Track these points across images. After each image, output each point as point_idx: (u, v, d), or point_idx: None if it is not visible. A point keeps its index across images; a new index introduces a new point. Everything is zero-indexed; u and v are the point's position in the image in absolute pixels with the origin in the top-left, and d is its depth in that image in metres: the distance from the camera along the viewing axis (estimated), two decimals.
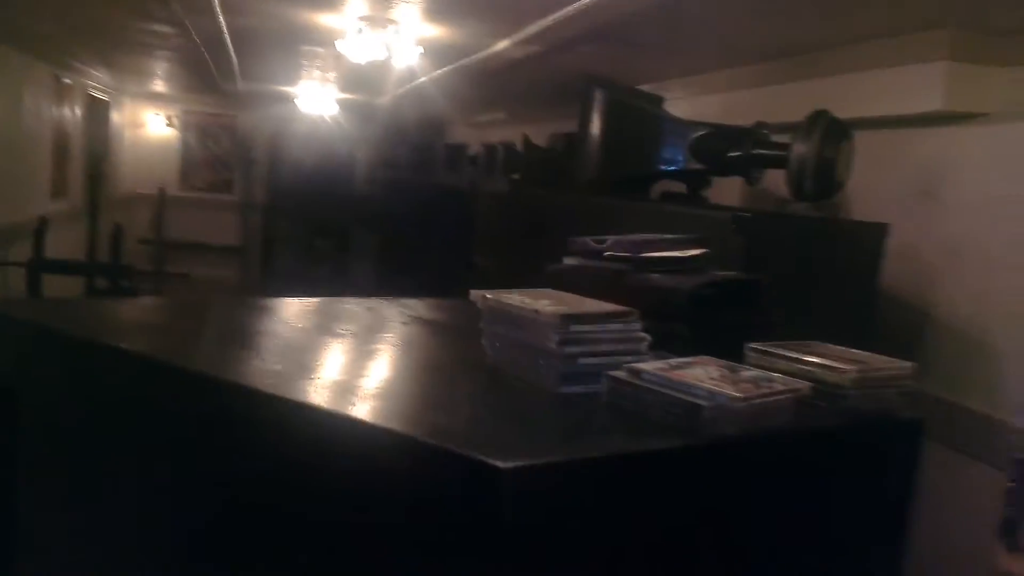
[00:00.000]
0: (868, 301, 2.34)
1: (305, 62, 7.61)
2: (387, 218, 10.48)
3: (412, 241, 9.67)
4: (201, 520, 1.17)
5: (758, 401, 1.09)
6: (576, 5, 3.64)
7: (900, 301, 2.51)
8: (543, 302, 1.23)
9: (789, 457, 1.13)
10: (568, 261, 1.66)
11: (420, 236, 9.53)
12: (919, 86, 2.50)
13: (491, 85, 6.43)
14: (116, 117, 11.24)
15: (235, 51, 6.57)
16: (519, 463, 0.88)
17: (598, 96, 2.43)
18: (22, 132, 6.84)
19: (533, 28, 4.20)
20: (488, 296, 1.29)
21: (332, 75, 8.34)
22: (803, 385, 1.18)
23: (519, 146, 7.08)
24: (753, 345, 1.33)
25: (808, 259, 2.18)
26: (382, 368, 1.45)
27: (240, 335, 1.54)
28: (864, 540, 1.23)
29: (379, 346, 1.60)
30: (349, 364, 1.46)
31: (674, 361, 1.19)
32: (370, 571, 1.00)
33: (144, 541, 1.20)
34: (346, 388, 1.25)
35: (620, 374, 1.15)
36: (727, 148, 2.50)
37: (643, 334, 1.24)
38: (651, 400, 1.11)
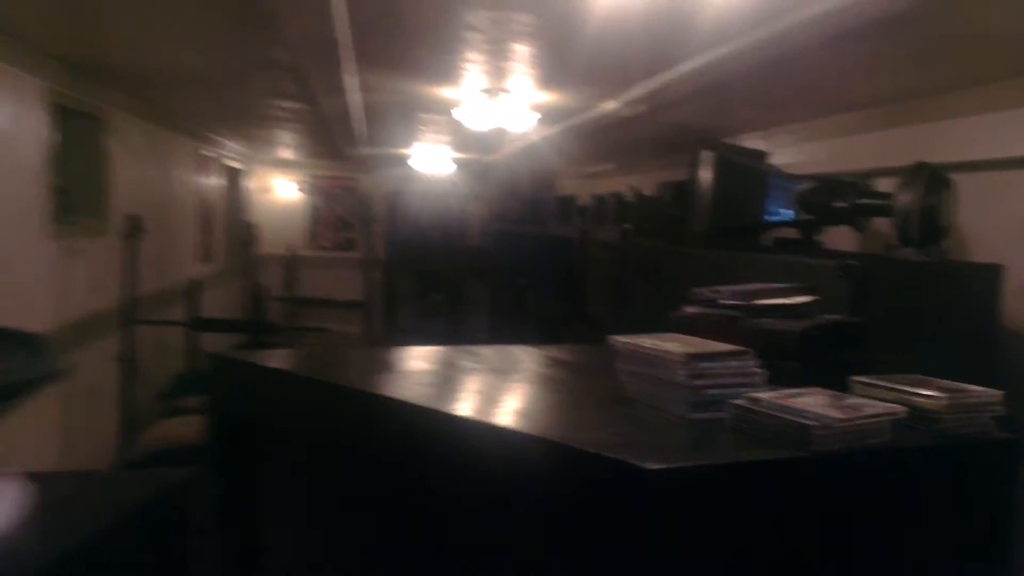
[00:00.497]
0: (986, 339, 2.43)
1: (422, 127, 8.17)
2: (499, 270, 10.85)
3: (524, 291, 9.97)
4: (394, 524, 1.45)
5: (859, 422, 1.30)
6: (681, 68, 3.92)
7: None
8: (672, 344, 1.49)
9: (887, 471, 1.32)
10: (689, 309, 1.90)
11: (532, 286, 9.84)
12: (1019, 129, 2.63)
13: (599, 140, 6.74)
14: (248, 184, 12.21)
15: (361, 122, 7.15)
16: (662, 466, 1.13)
17: (707, 156, 2.68)
18: (173, 203, 7.61)
19: (640, 90, 4.49)
20: (625, 340, 1.55)
21: (447, 137, 8.88)
22: (899, 409, 1.38)
23: (629, 196, 7.34)
24: (857, 378, 1.53)
25: (917, 301, 2.33)
26: (531, 396, 1.72)
27: (411, 374, 1.85)
28: (959, 553, 1.39)
29: (521, 381, 1.88)
30: (505, 394, 1.74)
31: (786, 391, 1.41)
32: (532, 560, 1.26)
33: (353, 543, 1.50)
34: (510, 411, 1.53)
35: (741, 401, 1.38)
36: (832, 199, 2.69)
37: (759, 369, 1.47)
38: (767, 422, 1.33)
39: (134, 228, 4.86)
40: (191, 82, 5.61)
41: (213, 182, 9.40)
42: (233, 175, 10.87)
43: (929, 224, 2.49)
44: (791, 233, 2.98)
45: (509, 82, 4.53)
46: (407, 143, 9.16)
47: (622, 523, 1.15)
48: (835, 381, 1.56)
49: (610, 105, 4.87)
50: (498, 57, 4.17)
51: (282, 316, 12.23)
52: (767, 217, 2.79)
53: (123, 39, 4.26)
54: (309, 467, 1.56)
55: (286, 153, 12.15)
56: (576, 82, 4.54)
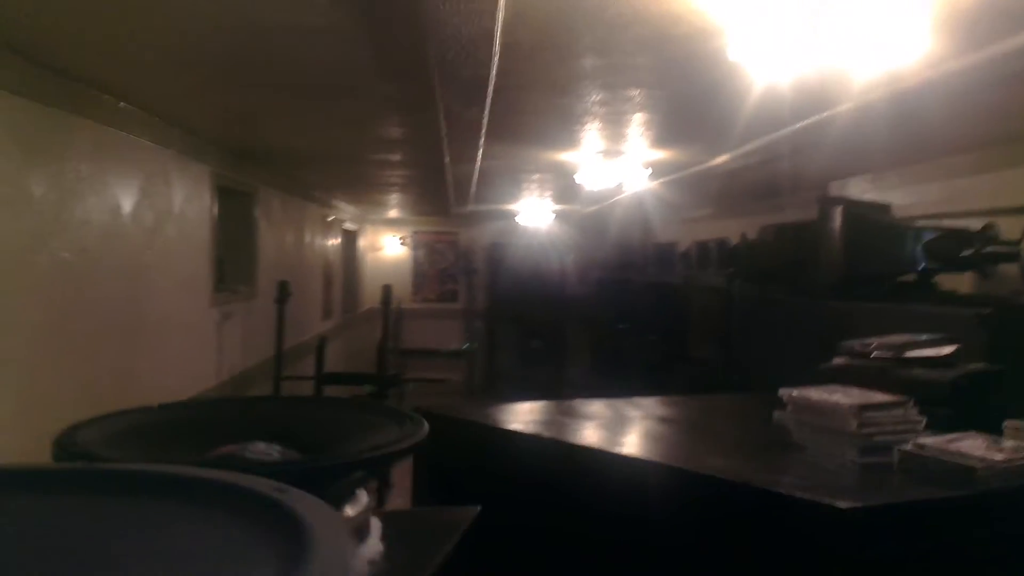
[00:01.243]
0: None
1: (527, 183, 8.55)
2: (599, 317, 11.02)
3: (624, 337, 10.09)
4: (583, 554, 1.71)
5: (1018, 462, 1.50)
6: (796, 126, 4.13)
7: None
8: (839, 395, 1.71)
9: None
10: (838, 360, 2.11)
11: (632, 332, 9.95)
12: None
13: (701, 189, 6.94)
14: (360, 242, 12.88)
15: (474, 184, 7.57)
16: (855, 504, 1.36)
17: (836, 213, 2.89)
18: (305, 265, 8.18)
19: (753, 146, 4.71)
20: (795, 392, 1.79)
21: (550, 191, 9.24)
22: None
23: (734, 241, 7.47)
24: (1009, 422, 1.72)
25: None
26: (698, 443, 1.96)
27: (592, 422, 2.12)
28: None
29: (688, 430, 2.12)
30: (677, 442, 1.99)
31: (946, 436, 1.62)
32: None
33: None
34: (698, 459, 1.77)
35: (908, 447, 1.59)
36: (959, 248, 2.85)
37: (919, 416, 1.68)
38: (934, 466, 1.54)
39: (283, 292, 5.34)
40: (325, 158, 6.14)
41: (333, 243, 10.02)
42: (348, 235, 11.52)
43: None
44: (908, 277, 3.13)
45: (626, 144, 4.84)
46: (513, 199, 9.57)
47: (821, 559, 1.38)
48: (982, 425, 1.75)
49: (721, 159, 5.10)
50: (616, 124, 4.48)
51: (392, 367, 12.72)
52: (899, 269, 2.97)
53: (274, 127, 4.77)
54: (522, 513, 1.82)
55: (393, 212, 12.79)
56: (691, 140, 4.81)
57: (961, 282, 3.76)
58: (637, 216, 9.67)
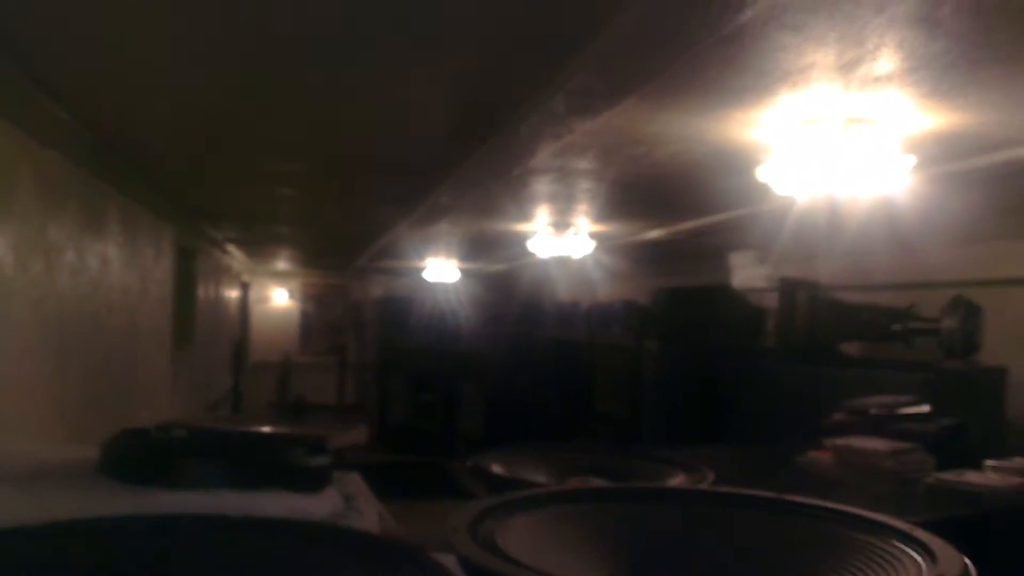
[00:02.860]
0: (997, 427, 3.25)
1: (435, 244, 8.92)
2: (495, 371, 11.34)
3: (522, 391, 10.43)
4: None
5: (1012, 486, 2.09)
6: (725, 215, 4.80)
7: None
8: (873, 443, 2.26)
9: None
10: (837, 416, 2.68)
11: (530, 387, 10.33)
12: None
13: (618, 255, 7.58)
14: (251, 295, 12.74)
15: (390, 243, 7.87)
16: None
17: (800, 294, 3.53)
18: (220, 318, 8.15)
19: (691, 224, 5.38)
20: (838, 441, 2.32)
21: (457, 250, 9.66)
22: None
23: (643, 302, 8.11)
24: (988, 462, 2.32)
25: (958, 401, 3.15)
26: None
27: None
28: None
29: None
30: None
31: (955, 472, 2.19)
32: None
33: None
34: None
35: (930, 480, 2.15)
36: (890, 323, 3.55)
37: (930, 458, 2.26)
38: (950, 494, 2.10)
39: (239, 349, 5.46)
40: (252, 216, 6.29)
41: (235, 296, 9.96)
42: (244, 288, 11.43)
43: (968, 343, 3.35)
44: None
45: (575, 217, 5.39)
46: (421, 257, 9.90)
47: None
48: (959, 465, 2.34)
49: (656, 233, 5.75)
50: (568, 201, 5.02)
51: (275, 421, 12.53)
52: (844, 340, 3.64)
53: (221, 192, 4.96)
54: None
55: (283, 264, 12.75)
56: (632, 216, 5.42)
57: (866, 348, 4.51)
58: (541, 276, 10.24)
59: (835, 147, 2.44)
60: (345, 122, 3.17)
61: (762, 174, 2.67)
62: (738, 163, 3.00)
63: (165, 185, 4.44)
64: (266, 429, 1.56)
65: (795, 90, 2.26)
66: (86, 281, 3.22)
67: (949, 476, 2.14)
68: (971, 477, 2.13)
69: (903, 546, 0.93)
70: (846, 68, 2.10)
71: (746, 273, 6.72)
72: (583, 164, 3.67)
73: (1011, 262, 3.76)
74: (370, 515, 1.19)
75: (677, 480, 1.43)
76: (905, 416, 2.54)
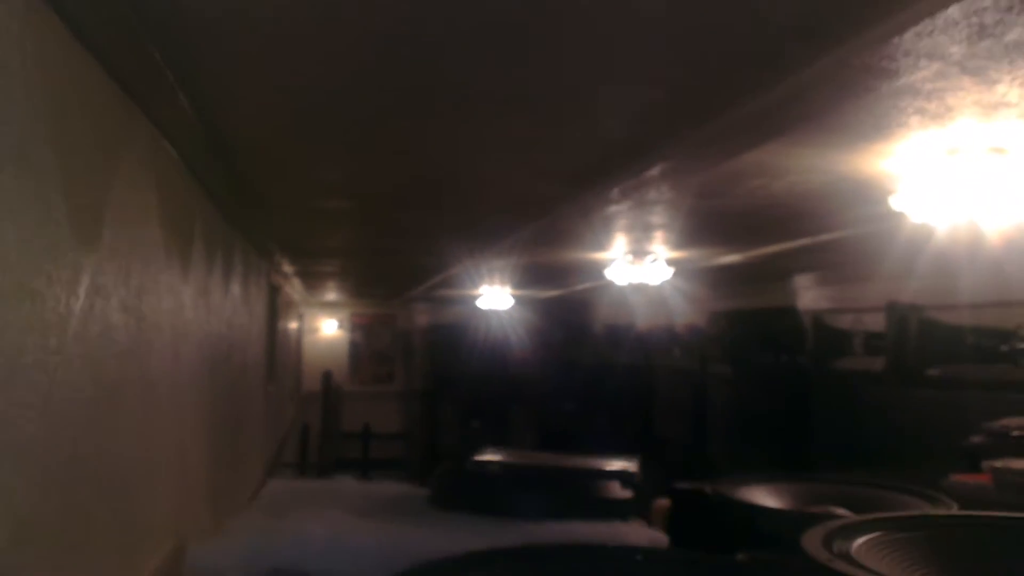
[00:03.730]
0: None
1: (494, 273, 9.02)
2: (545, 397, 11.36)
3: (571, 417, 10.43)
4: None
5: None
6: (807, 239, 4.85)
7: None
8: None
9: None
10: (975, 439, 2.74)
11: (581, 412, 10.33)
12: None
13: (680, 280, 7.63)
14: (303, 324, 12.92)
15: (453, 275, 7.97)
16: None
17: (910, 317, 3.60)
18: (286, 350, 8.31)
19: (763, 250, 5.44)
20: (997, 463, 2.38)
21: (509, 277, 9.75)
22: None
23: (698, 324, 8.16)
24: None
25: None
26: None
27: None
28: None
29: None
30: None
31: None
32: None
33: None
34: None
35: None
36: (998, 344, 3.60)
37: None
38: None
39: (327, 382, 5.59)
40: (334, 254, 6.44)
41: (295, 327, 10.14)
42: (300, 319, 11.61)
43: None
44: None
45: (653, 245, 5.47)
46: (476, 286, 9.99)
47: None
48: None
49: (732, 258, 5.81)
50: (649, 230, 5.10)
51: (323, 450, 12.64)
52: (944, 361, 3.70)
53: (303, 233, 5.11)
54: None
55: (333, 295, 12.92)
56: (709, 243, 5.49)
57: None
58: (595, 301, 10.32)
59: (974, 175, 2.52)
60: (438, 158, 3.19)
61: (896, 202, 2.75)
62: (862, 192, 3.08)
63: (269, 224, 4.60)
64: (566, 464, 1.64)
65: (938, 123, 2.34)
66: (222, 319, 3.36)
67: None
68: None
69: None
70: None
71: (809, 295, 6.76)
72: (688, 197, 3.75)
73: None
74: (662, 540, 1.27)
75: (924, 509, 1.50)
76: None
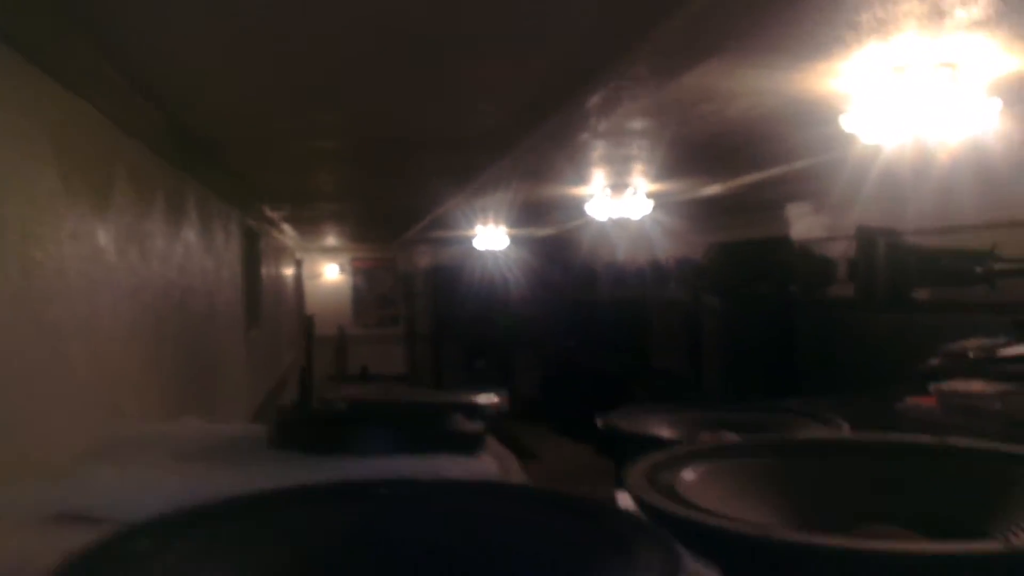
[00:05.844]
0: None
1: (486, 212, 8.93)
2: (547, 335, 11.37)
3: (575, 354, 10.44)
4: None
5: None
6: (786, 167, 4.73)
7: None
8: (979, 385, 2.24)
9: None
10: (933, 361, 2.66)
11: (582, 348, 10.33)
12: None
13: (671, 214, 7.53)
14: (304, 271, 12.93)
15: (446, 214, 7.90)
16: None
17: (880, 242, 3.48)
18: (281, 297, 8.31)
19: (749, 178, 5.31)
20: (943, 385, 2.31)
21: (504, 216, 9.66)
22: None
23: (692, 258, 8.05)
24: None
25: None
26: None
27: None
28: None
29: None
30: None
31: None
32: None
33: None
34: None
35: None
36: (973, 266, 3.49)
37: None
38: None
39: (310, 325, 5.54)
40: (307, 195, 6.36)
41: (291, 273, 10.12)
42: (298, 265, 11.59)
43: None
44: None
45: (632, 177, 5.35)
46: (471, 226, 9.93)
47: None
48: None
49: (713, 189, 5.69)
50: (624, 162, 4.98)
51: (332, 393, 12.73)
52: (920, 286, 3.59)
53: (283, 178, 5.02)
54: None
55: (332, 240, 12.88)
56: (690, 173, 5.36)
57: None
58: (592, 238, 10.21)
59: (922, 92, 2.39)
60: (404, 102, 3.15)
61: (847, 123, 2.63)
62: (816, 114, 2.96)
63: (231, 169, 4.52)
64: (417, 398, 1.60)
65: (885, 39, 2.21)
66: (173, 267, 3.31)
67: None
68: None
69: None
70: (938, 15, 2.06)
71: (804, 224, 6.63)
72: (648, 124, 3.64)
73: None
74: (519, 475, 1.23)
75: (815, 432, 1.44)
76: (1006, 358, 2.51)
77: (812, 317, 4.63)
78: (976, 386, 2.25)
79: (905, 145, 2.82)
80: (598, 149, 4.50)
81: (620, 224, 8.90)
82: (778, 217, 6.82)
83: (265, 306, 6.42)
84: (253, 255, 6.00)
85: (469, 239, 11.06)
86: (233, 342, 4.91)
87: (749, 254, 7.02)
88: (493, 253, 11.91)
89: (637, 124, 3.60)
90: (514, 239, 11.19)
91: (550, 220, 9.21)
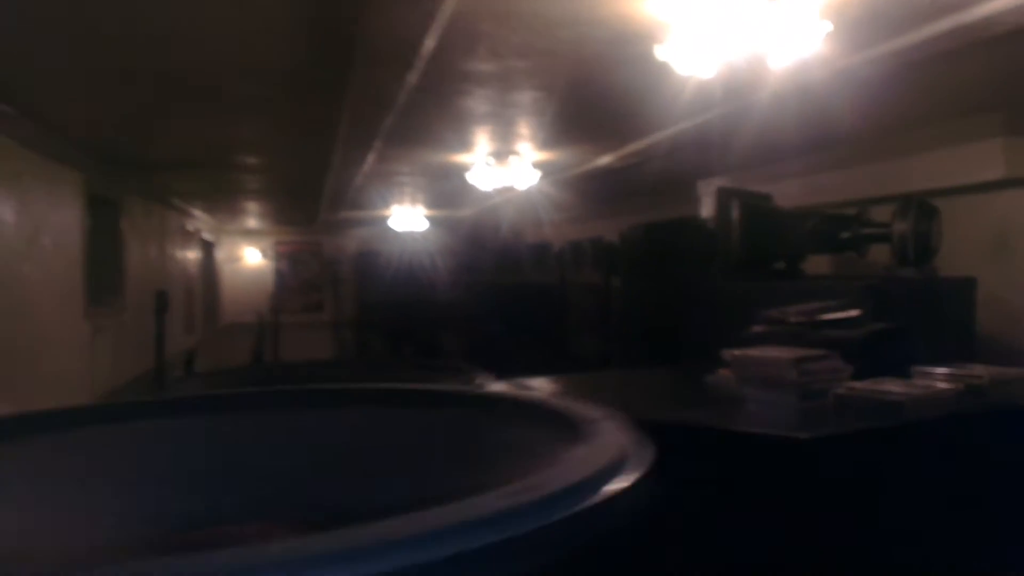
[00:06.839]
0: (965, 339, 2.91)
1: (400, 188, 8.55)
2: (472, 319, 11.08)
3: (499, 338, 10.17)
4: None
5: (934, 395, 1.74)
6: (677, 128, 4.41)
7: (993, 340, 3.10)
8: (775, 352, 1.91)
9: (957, 431, 1.76)
10: (756, 328, 2.33)
11: (507, 332, 10.06)
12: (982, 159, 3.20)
13: (577, 190, 7.21)
14: (218, 255, 12.38)
15: (354, 190, 7.49)
16: (811, 435, 1.55)
17: (735, 204, 3.15)
18: (168, 278, 7.81)
19: (636, 146, 4.99)
20: (736, 352, 1.97)
21: (421, 196, 9.29)
22: (958, 385, 1.83)
23: (605, 240, 7.78)
24: (917, 367, 1.97)
25: (917, 311, 2.80)
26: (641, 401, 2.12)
27: None
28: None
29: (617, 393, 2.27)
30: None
31: (869, 380, 1.85)
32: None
33: None
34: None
35: (841, 390, 1.81)
36: (839, 231, 3.18)
37: (846, 366, 1.91)
38: (865, 404, 1.76)
39: (162, 303, 5.10)
40: (187, 164, 5.90)
41: (193, 255, 9.60)
42: (207, 246, 11.07)
43: (922, 248, 2.98)
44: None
45: (518, 145, 4.99)
46: (385, 205, 9.53)
47: (781, 484, 1.56)
48: (889, 374, 1.99)
49: (605, 159, 5.36)
50: (508, 125, 4.62)
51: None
52: (786, 252, 3.27)
53: (142, 129, 4.56)
54: None
55: (252, 222, 12.36)
56: (577, 142, 5.02)
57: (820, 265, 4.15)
58: (510, 219, 9.89)
59: (745, 16, 2.06)
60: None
61: (661, 53, 2.28)
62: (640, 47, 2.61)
63: (61, 127, 4.08)
64: None
65: None
66: None
67: (863, 385, 1.80)
68: (891, 386, 1.78)
69: None
70: None
71: (710, 201, 6.36)
72: (476, 64, 3.28)
73: (978, 164, 3.39)
74: None
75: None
76: (828, 322, 2.20)
77: (687, 292, 4.34)
78: (774, 352, 1.92)
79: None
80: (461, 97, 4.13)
81: (537, 205, 8.57)
82: (677, 198, 6.65)
83: (134, 285, 5.94)
84: (110, 228, 5.53)
85: (389, 220, 10.66)
86: (62, 319, 4.45)
87: (655, 234, 6.80)
88: (416, 236, 11.53)
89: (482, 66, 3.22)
90: (433, 220, 10.82)
91: (462, 200, 8.83)
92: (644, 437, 0.91)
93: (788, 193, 4.79)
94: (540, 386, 2.31)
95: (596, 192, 7.79)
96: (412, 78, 3.02)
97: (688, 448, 1.71)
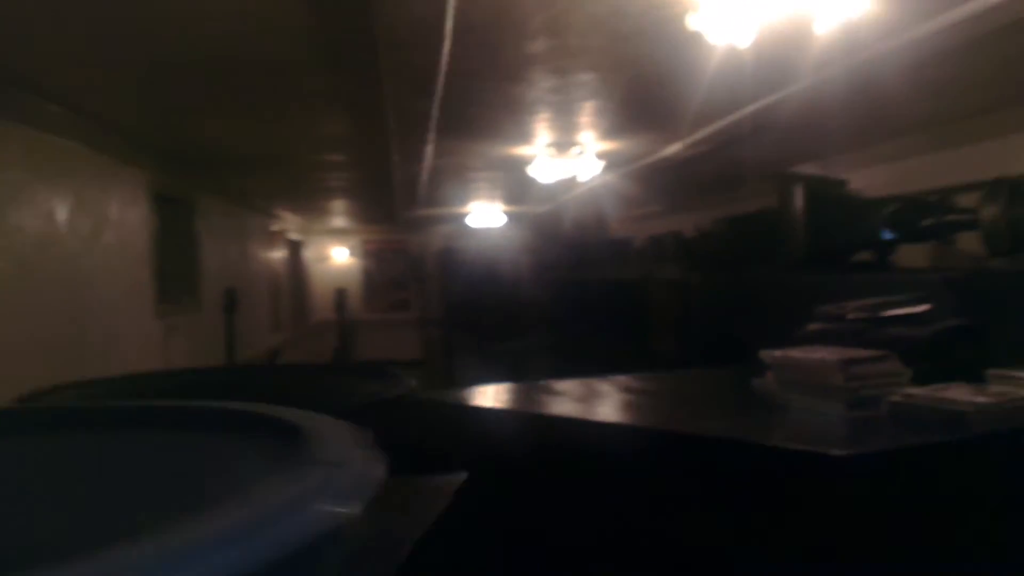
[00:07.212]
0: None
1: (476, 184, 8.47)
2: (556, 318, 10.93)
3: (583, 335, 10.00)
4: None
5: (1007, 406, 1.47)
6: (742, 112, 4.14)
7: None
8: (821, 353, 1.67)
9: None
10: (813, 326, 2.08)
11: (591, 331, 9.88)
12: None
13: (654, 183, 6.95)
14: (306, 254, 12.62)
15: (424, 185, 7.46)
16: (847, 452, 1.32)
17: (798, 190, 2.87)
18: (251, 277, 7.96)
19: (704, 132, 4.72)
20: (777, 353, 1.74)
21: (500, 191, 9.19)
22: None
23: (686, 234, 7.50)
24: (993, 371, 1.69)
25: (1005, 307, 2.47)
26: (680, 408, 1.91)
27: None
28: None
29: (660, 397, 2.05)
30: (658, 408, 1.92)
31: (933, 386, 1.58)
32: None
33: None
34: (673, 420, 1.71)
35: (896, 398, 1.56)
36: (919, 218, 2.86)
37: (905, 369, 1.65)
38: (924, 414, 1.51)
39: (231, 300, 5.16)
40: (267, 162, 5.98)
41: (278, 254, 9.79)
42: (294, 246, 11.29)
43: (1016, 235, 2.64)
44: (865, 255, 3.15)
45: (580, 135, 4.80)
46: (462, 201, 9.49)
47: (816, 502, 1.34)
48: (961, 378, 1.72)
49: (673, 148, 5.10)
50: (567, 113, 4.44)
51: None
52: (861, 241, 2.97)
53: (211, 128, 4.60)
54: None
55: (339, 221, 12.56)
56: (640, 129, 4.79)
57: (916, 256, 3.79)
58: (590, 213, 9.68)
59: None
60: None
61: (693, 23, 2.06)
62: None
63: (119, 127, 4.14)
64: None
65: None
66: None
67: (924, 392, 1.54)
68: (956, 393, 1.52)
69: None
70: None
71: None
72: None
73: None
74: None
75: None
76: (893, 319, 1.93)
77: (759, 287, 4.05)
78: (820, 353, 1.68)
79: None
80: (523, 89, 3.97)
81: (615, 198, 8.34)
82: (756, 191, 6.34)
83: (211, 285, 6.05)
84: (184, 228, 5.64)
85: (470, 216, 10.63)
86: (132, 318, 4.53)
87: (735, 228, 6.52)
88: (496, 232, 11.46)
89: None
90: (511, 216, 10.70)
91: (539, 195, 8.68)
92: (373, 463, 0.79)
93: (879, 182, 4.43)
94: (567, 389, 2.13)
95: (674, 186, 7.51)
96: (444, 62, 2.89)
97: (692, 461, 1.50)
